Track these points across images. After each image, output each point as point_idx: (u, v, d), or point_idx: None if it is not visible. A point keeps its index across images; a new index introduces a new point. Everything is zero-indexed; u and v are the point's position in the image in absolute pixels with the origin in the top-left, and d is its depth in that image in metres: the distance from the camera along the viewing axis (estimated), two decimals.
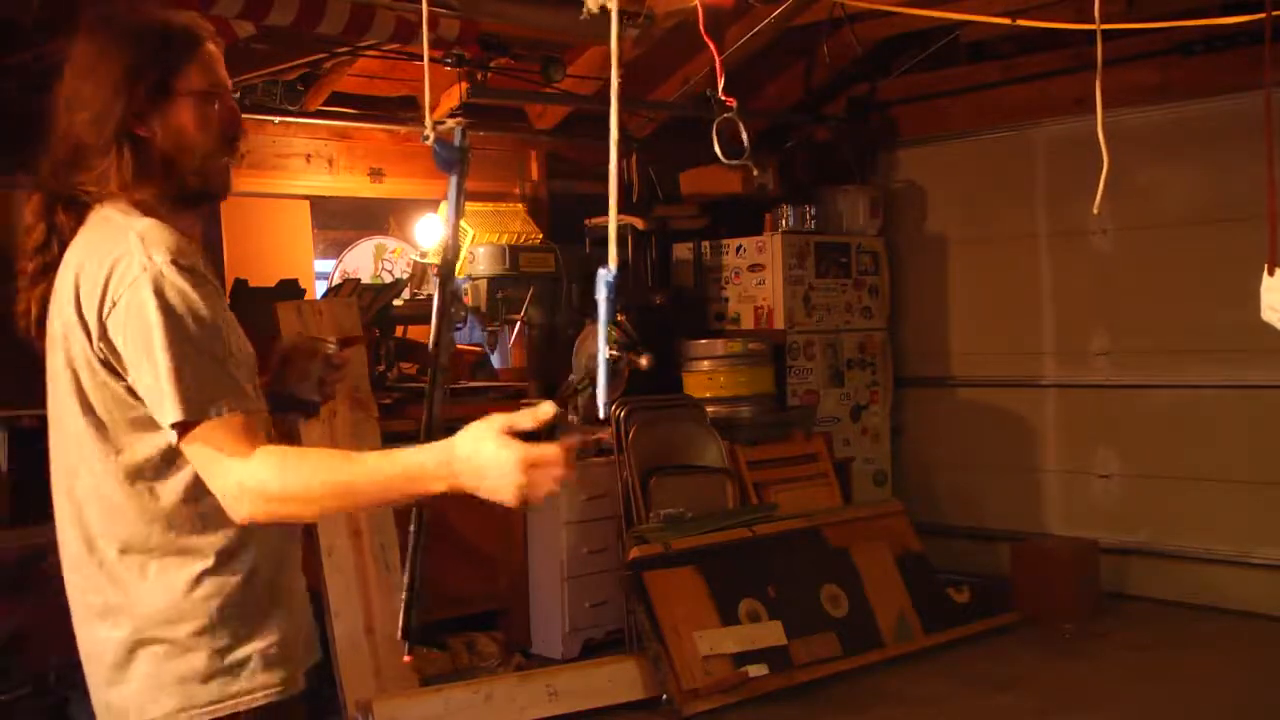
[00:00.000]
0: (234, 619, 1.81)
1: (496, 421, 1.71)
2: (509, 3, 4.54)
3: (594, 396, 5.95)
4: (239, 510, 1.71)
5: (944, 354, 7.04)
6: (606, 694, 4.76)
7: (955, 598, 5.71)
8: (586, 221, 6.57)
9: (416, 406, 5.03)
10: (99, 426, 1.79)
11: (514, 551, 5.52)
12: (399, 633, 1.93)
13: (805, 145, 7.25)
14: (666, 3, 4.51)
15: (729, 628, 4.93)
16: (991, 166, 6.81)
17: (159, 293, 1.70)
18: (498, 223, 6.47)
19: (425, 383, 2.04)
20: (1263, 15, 3.01)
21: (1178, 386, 6.14)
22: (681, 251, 6.82)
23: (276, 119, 5.70)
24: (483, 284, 6.04)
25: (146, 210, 1.82)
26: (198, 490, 1.78)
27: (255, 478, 1.69)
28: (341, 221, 6.38)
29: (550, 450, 1.72)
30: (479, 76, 5.71)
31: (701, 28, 2.23)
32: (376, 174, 6.15)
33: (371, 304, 5.39)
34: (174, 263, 1.73)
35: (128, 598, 1.80)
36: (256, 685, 1.83)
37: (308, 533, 4.65)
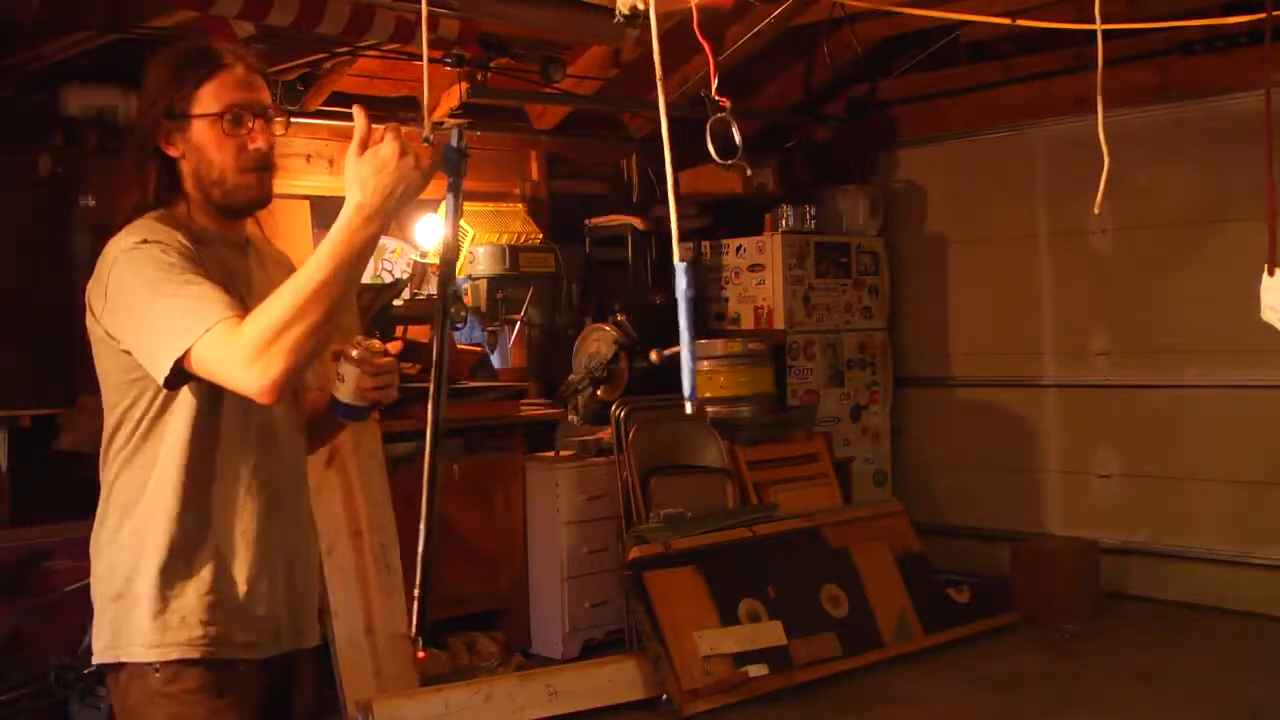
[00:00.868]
0: (168, 577, 1.97)
1: (351, 150, 1.96)
2: (509, 3, 4.54)
3: (595, 396, 5.97)
4: (263, 379, 1.82)
5: (944, 354, 7.04)
6: (606, 694, 4.76)
7: (955, 598, 5.71)
8: (586, 221, 6.58)
9: (416, 406, 5.04)
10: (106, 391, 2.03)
11: (514, 551, 5.52)
12: (412, 630, 1.98)
13: (805, 145, 7.25)
14: (666, 3, 4.50)
15: (729, 628, 4.93)
16: (991, 166, 6.81)
17: (126, 265, 1.92)
18: (498, 223, 6.47)
19: (425, 383, 2.05)
20: (1263, 15, 3.01)
21: (1178, 386, 6.14)
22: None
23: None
24: (483, 284, 6.04)
25: (179, 218, 2.03)
26: (140, 458, 1.98)
27: (245, 342, 1.83)
28: None
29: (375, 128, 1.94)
30: (479, 76, 5.71)
31: (696, 27, 2.23)
32: None
33: (371, 304, 5.39)
34: (143, 241, 1.93)
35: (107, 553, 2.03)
36: (171, 640, 1.97)
37: None
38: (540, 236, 6.49)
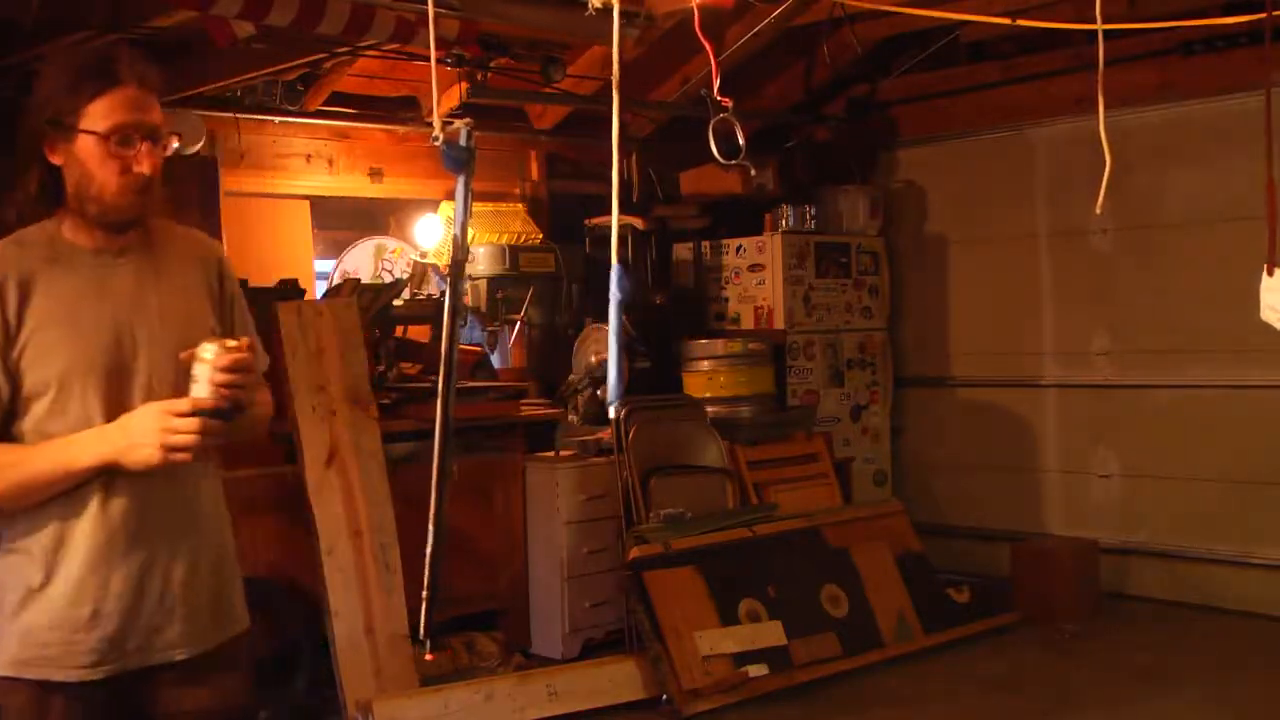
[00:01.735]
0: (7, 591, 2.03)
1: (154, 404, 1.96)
2: (509, 3, 4.54)
3: (594, 396, 5.97)
4: None
5: (944, 354, 7.04)
6: (606, 694, 4.76)
7: (955, 598, 5.70)
8: (586, 221, 6.58)
9: (415, 406, 5.04)
10: None
11: (514, 551, 5.52)
12: (421, 632, 1.98)
13: (805, 145, 7.24)
14: (666, 3, 4.50)
15: (729, 628, 4.92)
16: (991, 166, 6.80)
17: None
18: (498, 223, 6.47)
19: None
20: (1263, 15, 3.01)
21: (1178, 386, 6.14)
22: (681, 251, 6.82)
23: (276, 119, 5.70)
24: (483, 284, 6.05)
25: (45, 233, 2.03)
26: None
27: None
28: (341, 221, 6.38)
29: (181, 403, 1.93)
30: (479, 76, 5.72)
31: (697, 28, 2.23)
32: (376, 174, 6.16)
33: (371, 304, 5.39)
34: None
35: None
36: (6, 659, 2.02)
37: (307, 532, 4.66)
38: (540, 236, 6.49)
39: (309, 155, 5.97)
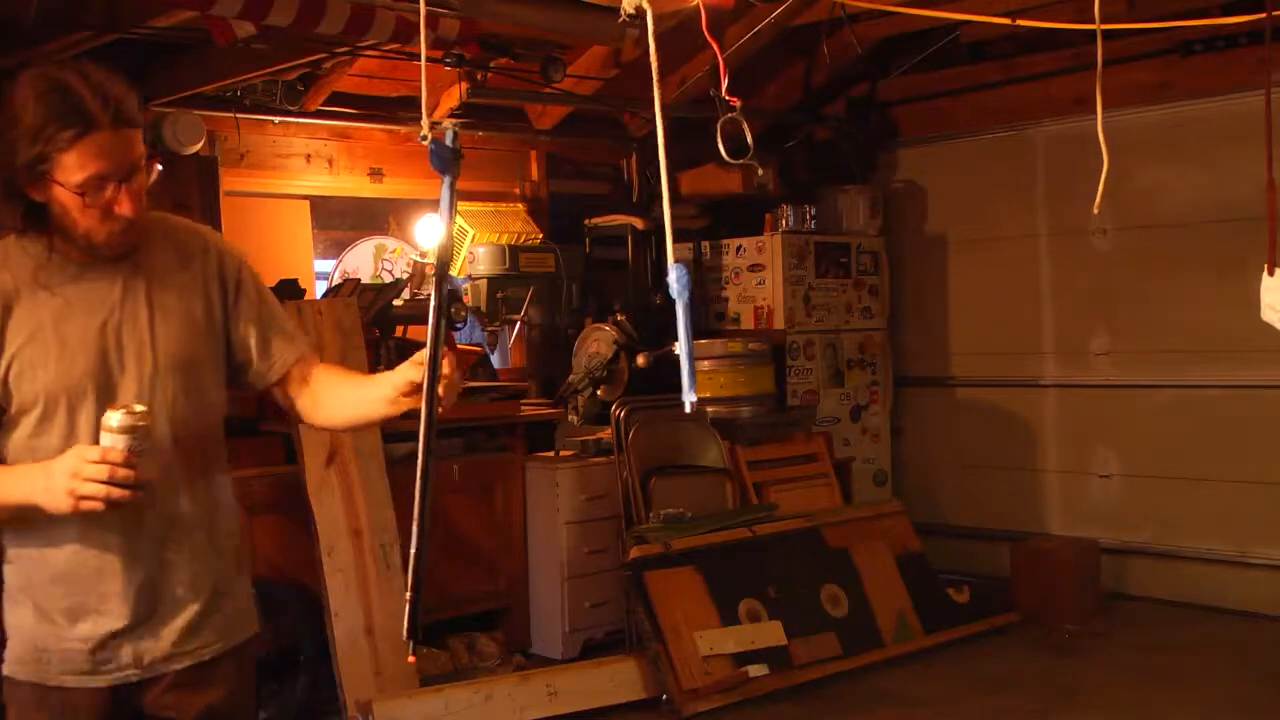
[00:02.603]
0: (11, 603, 2.06)
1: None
2: (509, 3, 4.54)
3: (595, 396, 5.97)
4: None
5: (944, 354, 7.04)
6: (606, 694, 4.76)
7: (955, 598, 5.70)
8: (586, 221, 6.57)
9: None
10: None
11: (514, 551, 5.52)
12: (404, 633, 1.95)
13: (805, 145, 7.24)
14: (666, 3, 4.50)
15: (729, 628, 4.92)
16: (991, 166, 6.80)
17: None
18: (498, 223, 6.47)
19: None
20: (1263, 15, 3.01)
21: (1178, 386, 6.14)
22: (681, 251, 6.81)
23: (276, 119, 5.70)
24: (483, 284, 6.04)
25: (43, 246, 1.98)
26: None
27: None
28: (341, 221, 6.38)
29: (93, 452, 1.85)
30: (479, 76, 5.72)
31: (705, 28, 2.23)
32: (376, 174, 6.15)
33: (371, 304, 5.39)
34: None
35: None
36: (9, 658, 2.06)
37: (307, 532, 4.67)
38: (540, 236, 6.49)
39: (309, 155, 5.96)
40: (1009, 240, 6.75)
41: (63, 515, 1.91)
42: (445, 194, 1.97)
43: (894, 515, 5.86)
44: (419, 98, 6.30)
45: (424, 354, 1.96)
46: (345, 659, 4.63)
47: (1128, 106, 5.91)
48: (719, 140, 2.14)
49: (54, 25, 4.46)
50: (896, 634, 5.35)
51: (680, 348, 1.74)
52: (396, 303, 5.59)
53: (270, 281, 5.22)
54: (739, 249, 6.63)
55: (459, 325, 5.80)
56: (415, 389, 2.00)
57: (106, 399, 1.97)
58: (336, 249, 6.33)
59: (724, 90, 2.11)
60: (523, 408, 5.71)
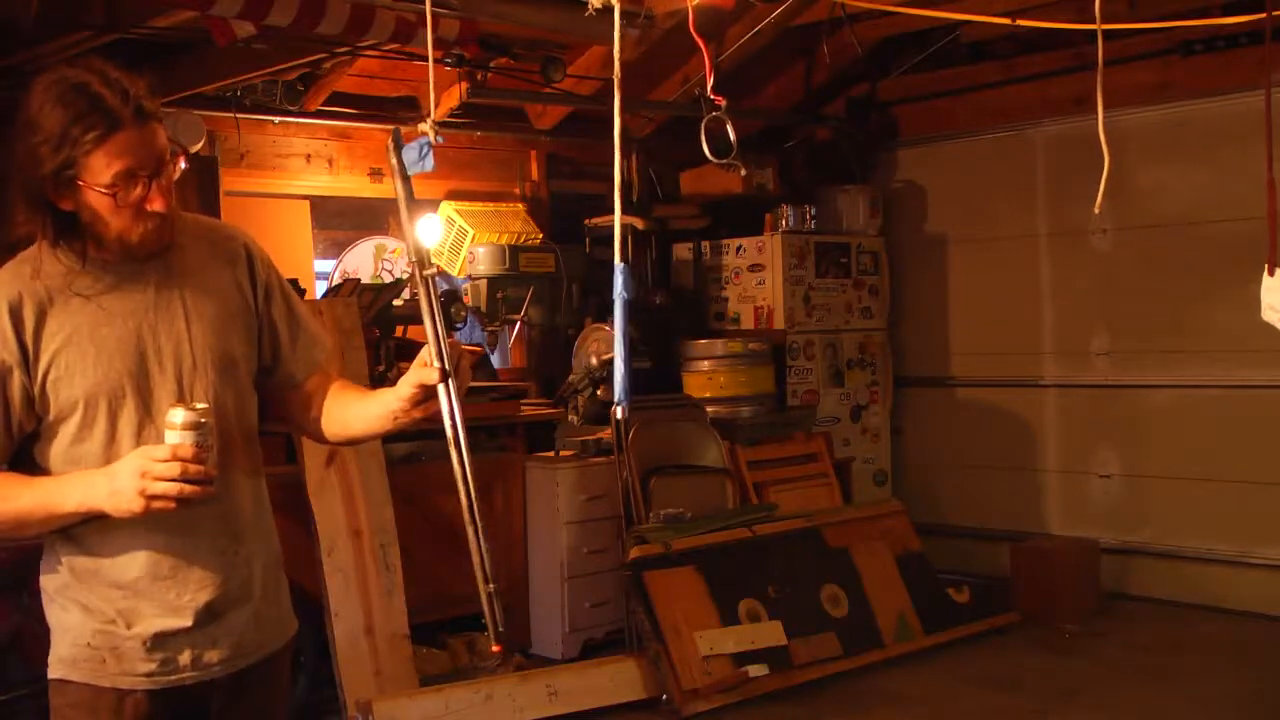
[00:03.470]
0: (55, 605, 2.03)
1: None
2: (509, 3, 4.54)
3: (594, 396, 5.97)
4: None
5: (944, 354, 7.04)
6: (606, 694, 4.76)
7: (955, 598, 5.70)
8: (586, 221, 6.57)
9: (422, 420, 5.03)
10: None
11: (514, 551, 5.52)
12: (493, 638, 1.98)
13: (805, 145, 7.24)
14: (666, 3, 4.50)
15: (729, 628, 4.92)
16: (991, 166, 6.80)
17: None
18: (498, 223, 6.46)
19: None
20: (1263, 15, 3.01)
21: (1178, 386, 6.14)
22: (681, 251, 6.82)
23: (276, 119, 5.70)
24: (483, 284, 6.04)
25: (76, 250, 1.95)
26: None
27: None
28: (341, 221, 6.38)
29: (161, 450, 1.84)
30: (479, 76, 5.71)
31: (692, 27, 2.23)
32: (376, 174, 6.15)
33: (371, 304, 5.39)
34: None
35: None
36: (54, 659, 2.02)
37: (307, 532, 4.66)
38: (540, 236, 6.49)
39: (309, 155, 5.96)
40: (1009, 240, 6.75)
41: (125, 518, 1.88)
42: (400, 191, 1.97)
43: (894, 515, 5.86)
44: (419, 98, 6.33)
45: (426, 354, 1.95)
46: (345, 659, 4.63)
47: (1128, 106, 5.91)
48: (703, 139, 2.14)
49: (54, 25, 4.46)
50: (896, 634, 5.34)
51: (617, 349, 1.75)
52: (396, 303, 5.59)
53: (288, 285, 5.25)
54: (739, 249, 6.63)
55: (459, 325, 5.80)
56: (423, 394, 2.00)
57: (146, 401, 1.96)
58: (336, 249, 6.33)
59: (710, 89, 2.11)
60: (523, 408, 5.71)
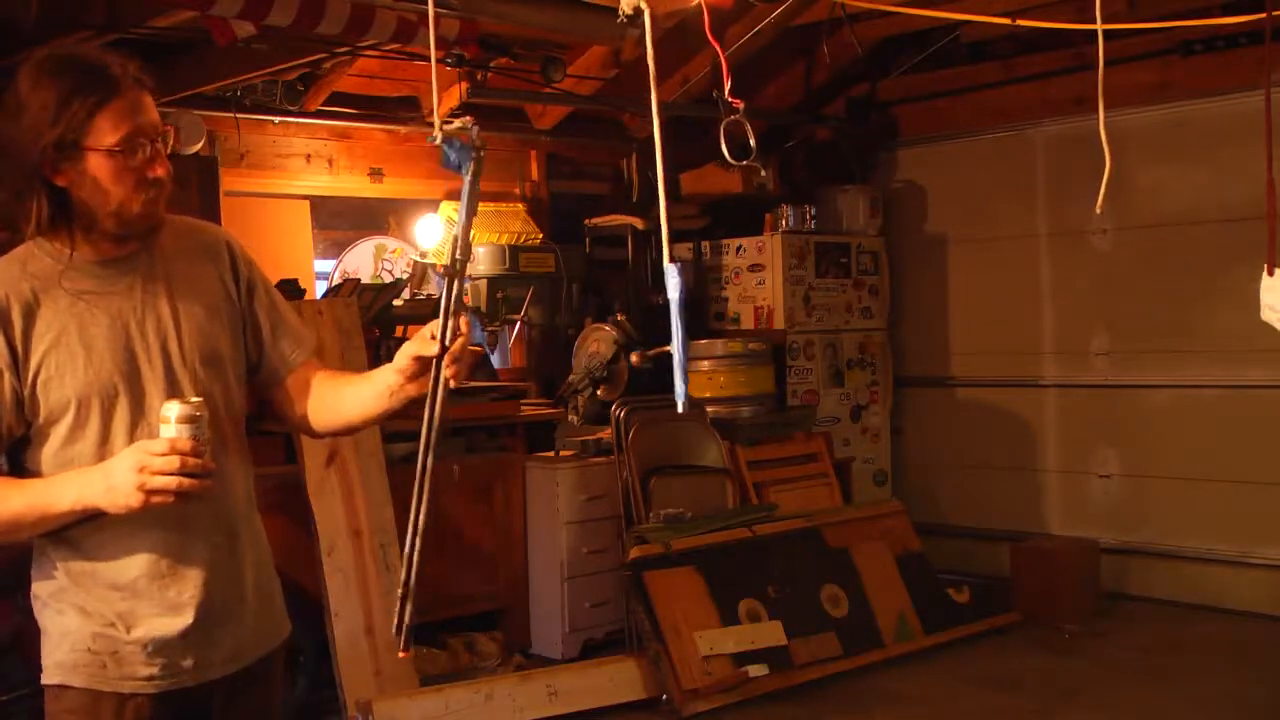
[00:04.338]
0: (50, 609, 2.01)
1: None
2: (509, 3, 4.54)
3: (595, 396, 5.97)
4: None
5: (944, 354, 7.04)
6: (606, 694, 4.76)
7: (955, 598, 5.71)
8: (586, 221, 6.58)
9: (415, 405, 5.04)
10: None
11: (514, 551, 5.52)
12: (394, 629, 1.93)
13: (805, 145, 7.24)
14: (667, 3, 4.50)
15: (729, 628, 4.92)
16: (991, 166, 6.80)
17: None
18: (498, 223, 6.47)
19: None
20: (1263, 15, 3.01)
21: (1178, 386, 6.14)
22: (681, 251, 6.81)
23: (276, 119, 5.70)
24: (483, 284, 6.04)
25: (61, 246, 1.94)
26: None
27: None
28: (341, 221, 6.38)
29: (159, 444, 1.83)
30: (479, 76, 5.72)
31: (708, 29, 2.23)
32: (376, 174, 6.16)
33: (372, 304, 5.39)
34: None
35: None
36: (50, 664, 2.00)
37: (307, 532, 4.67)
38: (540, 236, 6.49)
39: (309, 155, 5.96)
40: (1009, 240, 6.75)
41: (120, 516, 1.86)
42: (465, 193, 1.94)
43: (894, 515, 5.86)
44: (419, 98, 6.33)
45: (430, 328, 1.95)
46: (345, 659, 4.63)
47: (1128, 106, 5.91)
48: (722, 142, 2.14)
49: (54, 25, 4.46)
50: (896, 634, 5.35)
51: (675, 349, 1.74)
52: (396, 303, 5.60)
53: (270, 281, 5.25)
54: (739, 249, 6.63)
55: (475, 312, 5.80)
56: (420, 367, 2.00)
57: (139, 399, 1.95)
58: (336, 249, 6.33)
59: (727, 91, 2.11)
60: (523, 408, 5.71)
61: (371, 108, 6.01)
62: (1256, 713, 4.71)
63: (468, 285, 6.06)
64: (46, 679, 2.00)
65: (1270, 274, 2.87)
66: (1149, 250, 6.21)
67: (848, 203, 6.88)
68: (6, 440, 1.94)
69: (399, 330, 5.61)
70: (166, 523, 1.94)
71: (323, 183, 6.04)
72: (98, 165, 1.89)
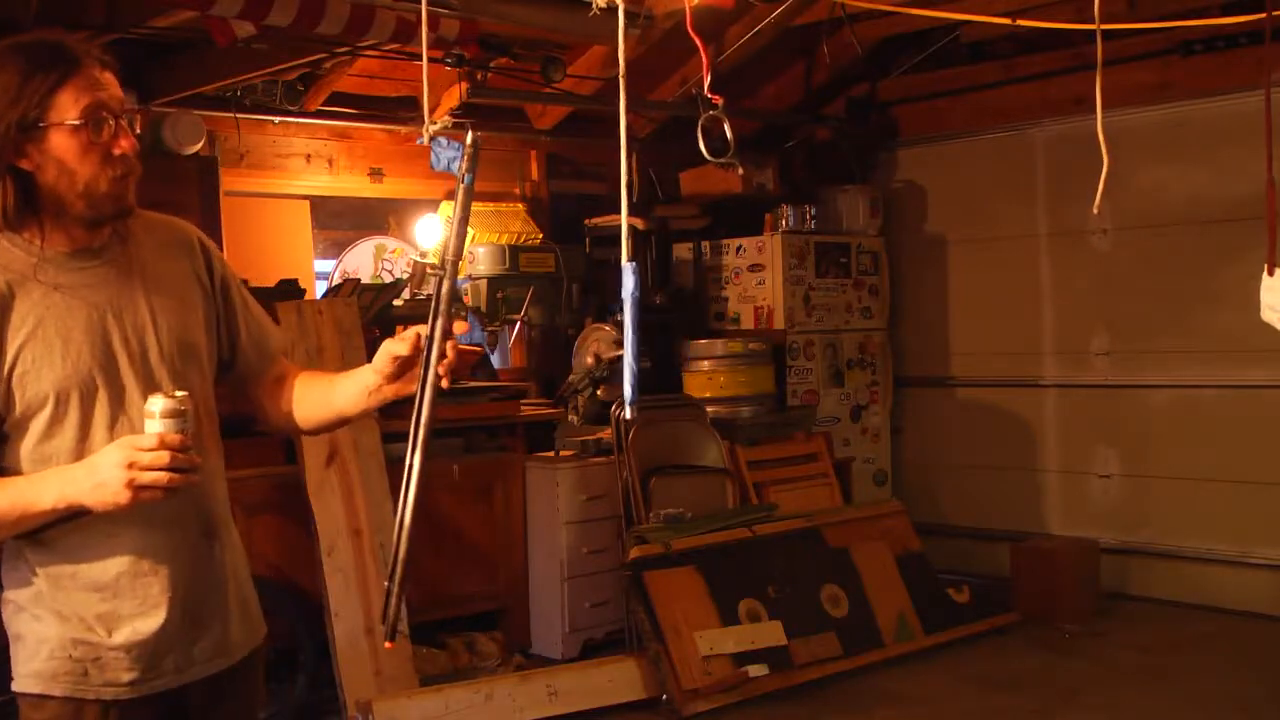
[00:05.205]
0: (25, 615, 1.95)
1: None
2: (509, 3, 4.54)
3: (594, 396, 5.97)
4: None
5: (944, 354, 7.04)
6: (606, 694, 4.76)
7: (955, 598, 5.70)
8: (586, 221, 6.58)
9: (407, 405, 5.04)
10: None
11: (514, 551, 5.52)
12: (380, 617, 1.93)
13: (805, 145, 7.24)
14: (666, 3, 4.51)
15: (729, 628, 4.92)
16: (991, 166, 6.80)
17: None
18: (498, 223, 6.47)
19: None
20: (1263, 15, 3.01)
21: (1178, 386, 6.14)
22: (681, 251, 6.82)
23: (276, 119, 5.70)
24: (483, 284, 6.04)
25: (31, 237, 1.90)
26: None
27: None
28: (341, 221, 6.38)
29: (147, 439, 1.79)
30: (479, 76, 5.72)
31: (689, 27, 2.23)
32: (376, 174, 6.16)
33: (371, 304, 5.39)
34: None
35: None
36: (27, 672, 1.94)
37: (307, 532, 4.67)
38: (540, 236, 6.49)
39: (309, 155, 5.97)
40: (1009, 240, 6.75)
41: (100, 515, 1.83)
42: (459, 195, 1.94)
43: (894, 515, 5.86)
44: (419, 97, 6.32)
45: (415, 330, 1.94)
46: (345, 659, 4.63)
47: (1128, 106, 5.91)
48: (700, 138, 2.14)
49: (53, 25, 4.46)
50: (896, 634, 5.35)
51: (626, 351, 1.74)
52: (396, 303, 5.60)
53: (270, 281, 5.25)
54: (739, 249, 6.63)
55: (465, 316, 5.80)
56: (398, 367, 1.99)
57: (118, 392, 1.92)
58: (336, 249, 6.33)
59: (706, 88, 2.11)
60: (523, 408, 5.71)
61: (371, 108, 6.01)
62: (1256, 713, 4.71)
63: (467, 285, 6.09)
64: (22, 688, 1.94)
65: (1270, 274, 2.88)
66: (1149, 250, 6.21)
67: (848, 203, 6.88)
68: None
69: (399, 330, 5.61)
70: (149, 519, 1.91)
71: (323, 183, 6.04)
72: (61, 142, 1.85)
